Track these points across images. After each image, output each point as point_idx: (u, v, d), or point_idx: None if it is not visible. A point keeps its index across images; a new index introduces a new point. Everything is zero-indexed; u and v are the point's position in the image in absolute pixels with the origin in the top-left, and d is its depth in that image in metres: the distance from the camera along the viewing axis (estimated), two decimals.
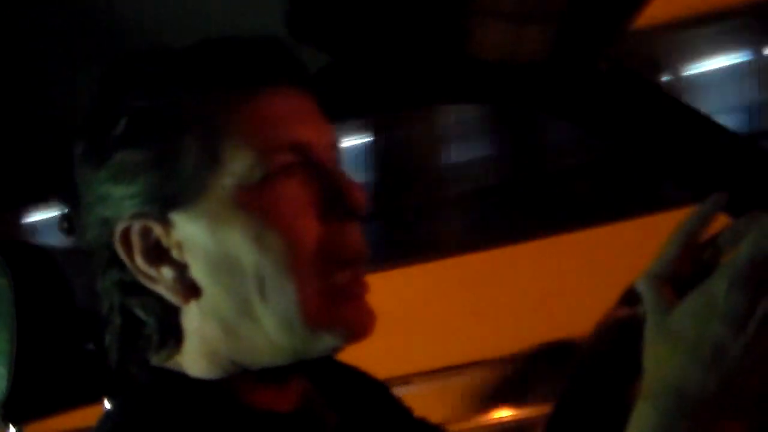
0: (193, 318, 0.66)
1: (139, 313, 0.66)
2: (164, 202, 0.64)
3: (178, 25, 0.75)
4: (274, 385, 0.69)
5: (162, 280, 0.64)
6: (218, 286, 0.64)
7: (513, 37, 1.11)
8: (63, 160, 0.69)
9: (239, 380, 0.67)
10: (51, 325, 0.91)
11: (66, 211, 1.02)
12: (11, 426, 0.89)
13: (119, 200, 0.64)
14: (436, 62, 1.15)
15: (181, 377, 0.67)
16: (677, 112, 1.12)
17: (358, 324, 0.66)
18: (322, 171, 0.66)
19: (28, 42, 0.86)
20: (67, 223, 1.01)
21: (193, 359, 0.67)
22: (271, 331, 0.64)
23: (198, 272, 0.64)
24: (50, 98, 0.92)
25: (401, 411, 0.87)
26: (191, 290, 0.64)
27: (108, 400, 0.94)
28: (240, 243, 0.63)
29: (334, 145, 0.69)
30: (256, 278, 0.63)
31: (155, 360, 0.68)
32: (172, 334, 0.66)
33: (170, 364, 0.68)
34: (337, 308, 0.65)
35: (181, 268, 0.64)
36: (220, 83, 0.65)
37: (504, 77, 1.16)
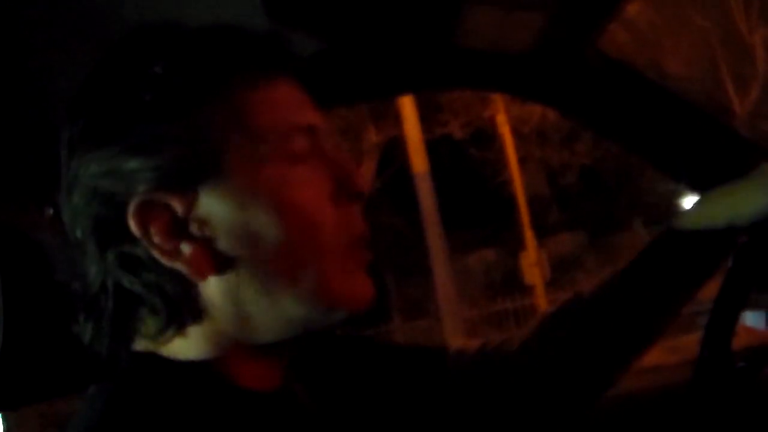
0: (208, 296, 0.65)
1: (142, 291, 0.64)
2: (188, 176, 0.63)
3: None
4: (266, 360, 0.69)
5: (181, 256, 0.63)
6: (240, 262, 0.64)
7: (502, 25, 1.11)
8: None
9: (231, 357, 0.67)
10: (39, 311, 0.91)
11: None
12: None
13: (131, 174, 0.62)
14: (425, 49, 1.15)
15: (165, 361, 0.66)
16: (664, 102, 1.12)
17: (365, 296, 0.69)
18: (329, 155, 0.69)
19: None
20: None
21: (192, 338, 0.66)
22: (288, 307, 0.65)
23: (219, 247, 0.64)
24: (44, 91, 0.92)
25: (401, 373, 0.87)
26: (211, 266, 0.64)
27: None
28: (265, 220, 0.64)
29: (332, 132, 0.72)
30: (281, 255, 0.64)
31: (139, 344, 0.67)
32: (182, 313, 0.65)
33: (152, 347, 0.67)
34: (354, 281, 0.68)
35: (201, 244, 0.64)
36: (239, 65, 0.66)
37: (492, 65, 1.16)
